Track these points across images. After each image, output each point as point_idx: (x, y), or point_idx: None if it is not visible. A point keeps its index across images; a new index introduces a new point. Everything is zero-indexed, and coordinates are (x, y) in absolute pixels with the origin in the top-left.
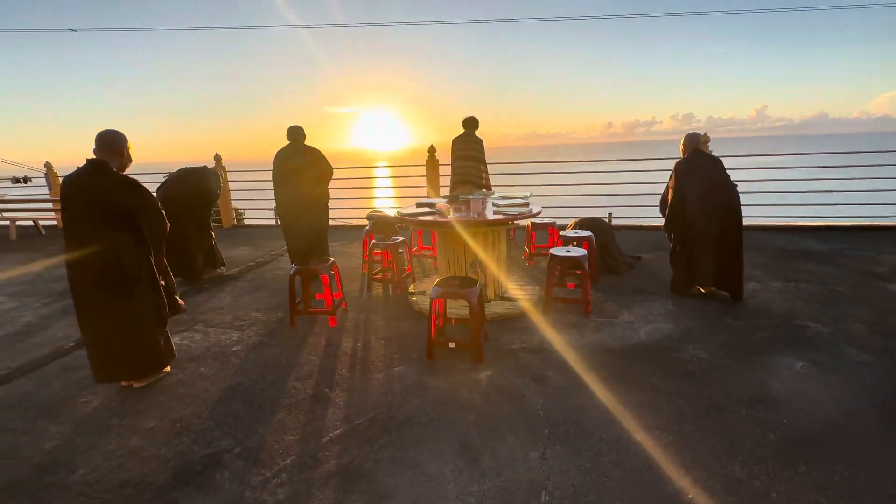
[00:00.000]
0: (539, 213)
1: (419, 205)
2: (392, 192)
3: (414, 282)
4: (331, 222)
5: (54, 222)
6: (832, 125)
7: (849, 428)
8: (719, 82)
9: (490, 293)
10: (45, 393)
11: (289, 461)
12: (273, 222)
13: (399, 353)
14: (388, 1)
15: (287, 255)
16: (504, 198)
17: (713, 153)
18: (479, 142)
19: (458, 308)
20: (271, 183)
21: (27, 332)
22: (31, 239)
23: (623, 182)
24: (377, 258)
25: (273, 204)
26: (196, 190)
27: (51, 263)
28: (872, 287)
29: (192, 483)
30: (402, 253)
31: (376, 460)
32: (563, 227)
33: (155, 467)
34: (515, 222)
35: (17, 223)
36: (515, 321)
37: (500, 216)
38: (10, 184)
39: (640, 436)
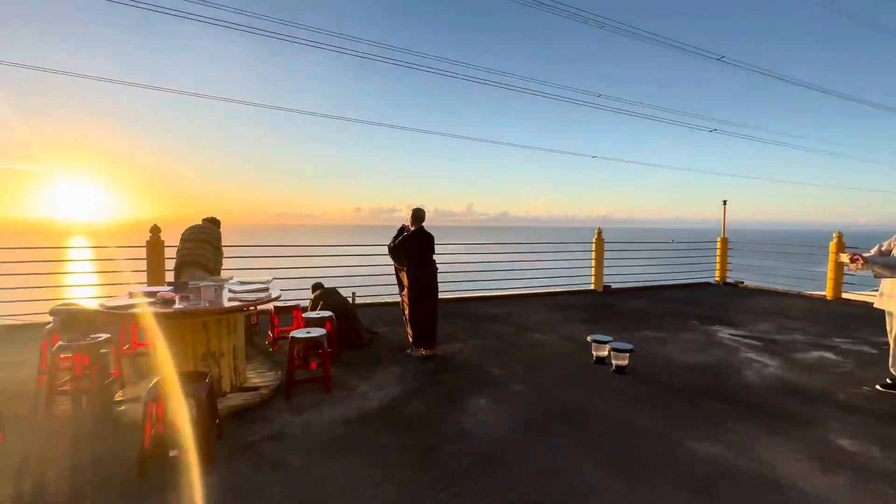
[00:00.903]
0: (278, 297)
1: (133, 294)
2: (96, 279)
3: (123, 388)
4: None
5: None
6: (512, 221)
7: (508, 441)
8: (440, 179)
9: (226, 386)
10: None
11: None
12: None
13: (95, 481)
14: (107, 45)
15: None
16: (243, 282)
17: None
18: (217, 231)
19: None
20: None
21: None
22: None
23: (367, 264)
24: (65, 364)
25: None
26: None
27: None
28: (527, 338)
29: None
30: (105, 354)
31: None
32: (306, 309)
33: None
34: (257, 308)
35: None
36: (255, 411)
37: (237, 303)
38: None
39: (369, 492)
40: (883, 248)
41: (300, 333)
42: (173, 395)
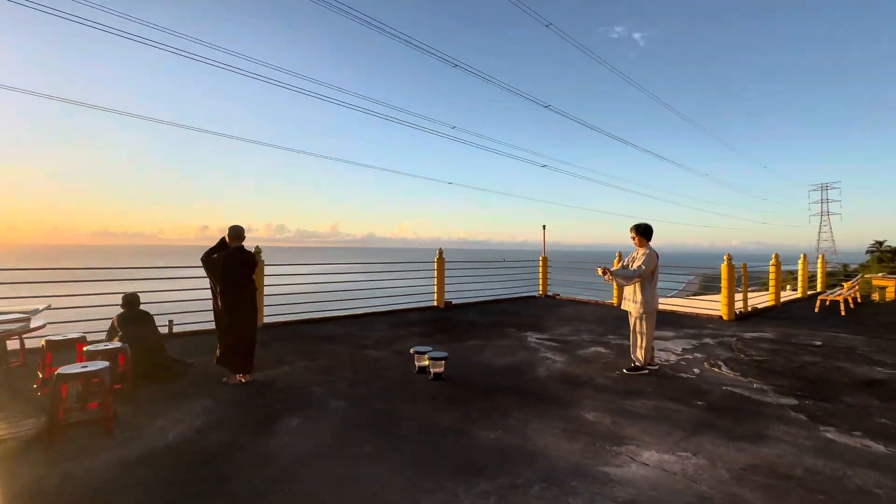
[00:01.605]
0: (40, 326)
1: None
2: None
3: None
4: None
5: None
6: (379, 242)
7: (312, 457)
8: (304, 202)
9: None
10: None
11: None
12: None
13: None
14: None
15: None
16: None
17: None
18: None
19: None
20: None
21: None
22: None
23: (194, 287)
24: None
25: None
26: None
27: None
28: (359, 355)
29: None
30: None
31: None
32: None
33: None
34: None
35: None
36: (4, 464)
37: None
38: None
39: None
40: (625, 262)
41: (72, 369)
42: None
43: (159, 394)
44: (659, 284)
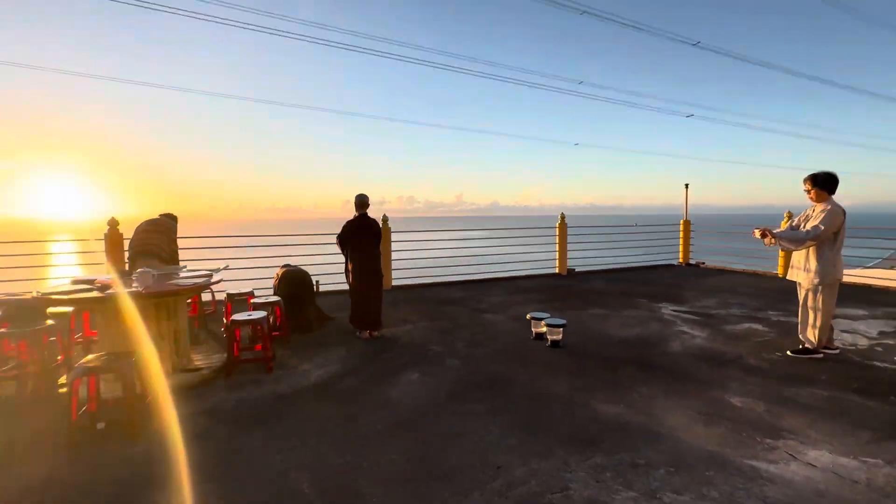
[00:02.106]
0: (216, 282)
1: (75, 281)
2: (80, 271)
3: (70, 371)
4: None
5: None
6: (502, 210)
7: (425, 409)
8: (431, 172)
9: (168, 367)
10: None
11: None
12: None
13: (27, 454)
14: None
15: None
16: (190, 271)
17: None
18: (172, 224)
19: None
20: None
21: None
22: None
23: (334, 252)
24: (9, 352)
25: None
26: None
27: None
28: (477, 318)
29: None
30: (51, 341)
31: None
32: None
33: None
34: (199, 295)
35: None
36: (195, 389)
37: (174, 288)
38: None
39: (279, 456)
40: (794, 223)
41: (242, 316)
42: (103, 373)
43: (307, 341)
44: (844, 250)
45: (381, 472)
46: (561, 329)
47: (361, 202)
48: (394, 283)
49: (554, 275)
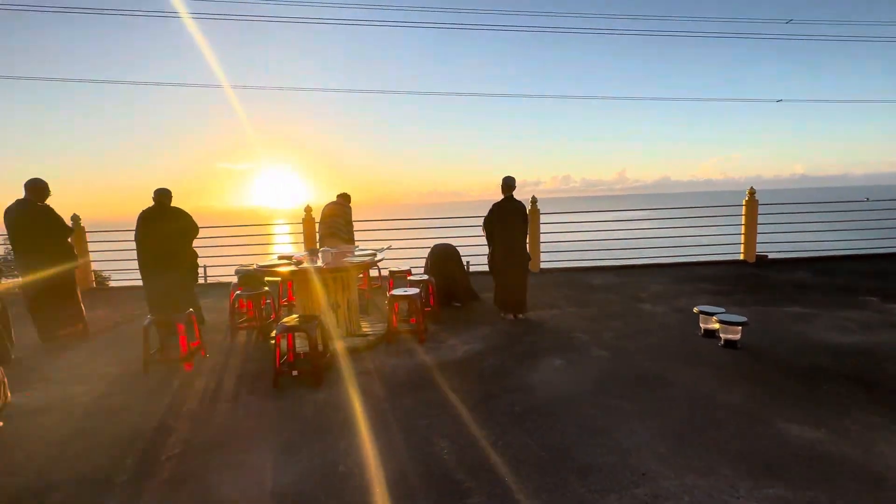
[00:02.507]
0: (379, 260)
1: (281, 257)
2: (291, 249)
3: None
4: (217, 279)
5: None
6: (672, 186)
7: (565, 398)
8: (589, 149)
9: (342, 331)
10: None
11: (123, 479)
12: (138, 283)
13: (249, 385)
14: (284, 63)
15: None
16: (361, 250)
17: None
18: (347, 207)
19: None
20: (134, 242)
21: None
22: None
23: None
24: (242, 309)
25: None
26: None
27: None
28: (632, 308)
29: None
30: (268, 302)
31: (207, 466)
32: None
33: None
34: (368, 270)
35: None
36: (362, 352)
37: (346, 265)
38: None
39: (425, 420)
40: None
41: (399, 292)
42: (297, 332)
43: (455, 318)
44: None
45: (516, 455)
46: (740, 327)
47: (507, 185)
48: (542, 265)
49: (738, 262)
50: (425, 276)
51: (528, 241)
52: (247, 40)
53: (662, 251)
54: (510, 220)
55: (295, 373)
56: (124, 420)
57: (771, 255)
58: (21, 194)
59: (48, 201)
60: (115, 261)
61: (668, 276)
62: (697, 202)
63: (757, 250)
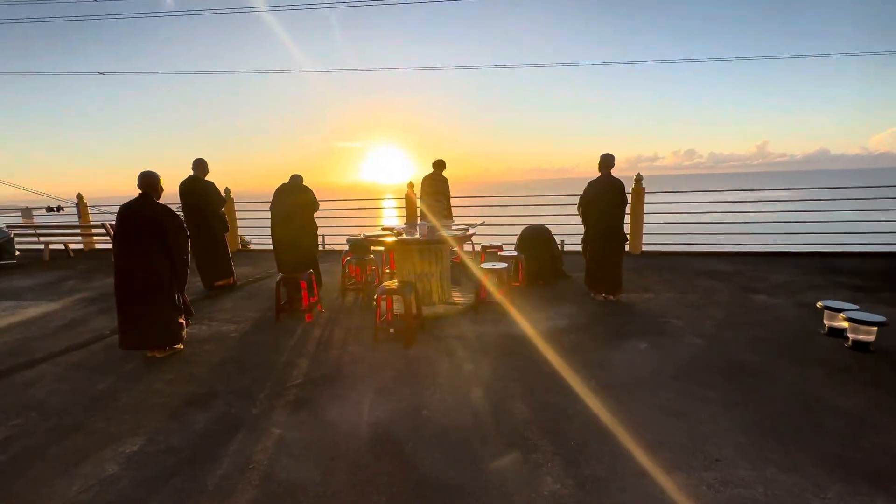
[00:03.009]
0: (471, 234)
1: (384, 229)
2: (396, 221)
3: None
4: (333, 247)
5: (81, 246)
6: (831, 162)
7: (645, 378)
8: (720, 119)
9: (434, 298)
10: (93, 361)
11: (262, 395)
12: (268, 244)
13: (354, 337)
14: (392, 46)
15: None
16: (457, 225)
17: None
18: (445, 180)
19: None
20: (270, 211)
21: (73, 326)
22: (61, 260)
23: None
24: (352, 273)
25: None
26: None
27: (82, 278)
28: (742, 298)
29: (195, 405)
30: (373, 269)
31: (320, 396)
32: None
33: (172, 398)
34: (461, 244)
35: (51, 246)
36: (451, 319)
37: (440, 237)
38: (44, 212)
39: (500, 383)
40: None
41: (488, 265)
42: (395, 295)
43: (543, 295)
44: None
45: (584, 423)
46: (876, 328)
47: (605, 163)
48: (644, 247)
49: (893, 255)
50: (515, 253)
51: (628, 221)
52: (373, 23)
53: (801, 237)
54: (606, 198)
55: (392, 330)
56: (262, 353)
57: None
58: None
59: (208, 177)
60: (256, 227)
61: (800, 267)
62: (859, 182)
63: None
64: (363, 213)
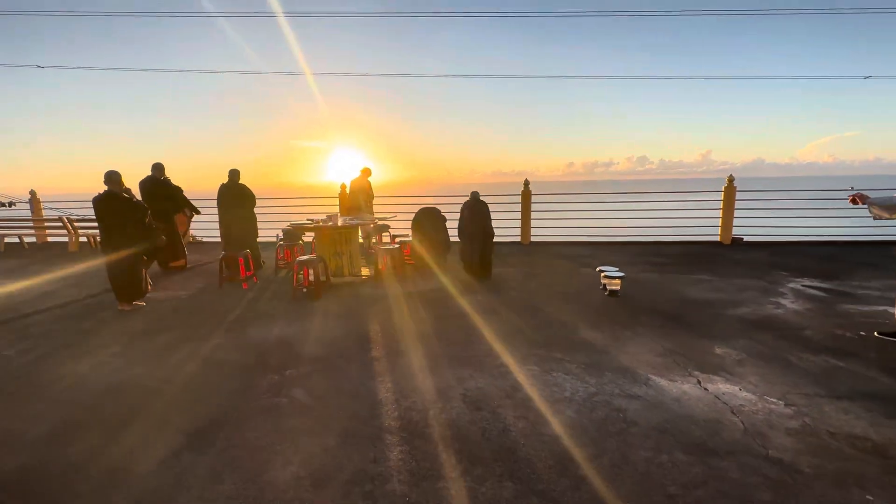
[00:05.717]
0: (382, 224)
1: (307, 219)
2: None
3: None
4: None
5: (34, 239)
6: (768, 170)
7: (469, 312)
8: (668, 127)
9: (346, 271)
10: (76, 313)
11: (204, 329)
12: (217, 238)
13: (277, 298)
14: (352, 49)
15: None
16: (376, 218)
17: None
18: (368, 183)
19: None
20: (216, 206)
21: (51, 295)
22: (17, 251)
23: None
24: (283, 255)
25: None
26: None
27: (44, 264)
28: (572, 270)
29: (158, 333)
30: (300, 251)
31: (245, 327)
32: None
33: (141, 330)
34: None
35: (6, 240)
36: (355, 286)
37: (345, 225)
38: None
39: (380, 323)
40: None
41: (384, 247)
42: (309, 266)
43: (429, 270)
44: None
45: (424, 329)
46: (619, 280)
47: (474, 195)
48: (534, 239)
49: (713, 243)
50: (405, 239)
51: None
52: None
53: (645, 230)
54: (476, 212)
55: (304, 290)
56: (206, 307)
57: (747, 238)
58: (146, 173)
59: (167, 177)
60: (206, 221)
61: (631, 253)
62: (790, 186)
63: (733, 233)
64: (315, 209)
